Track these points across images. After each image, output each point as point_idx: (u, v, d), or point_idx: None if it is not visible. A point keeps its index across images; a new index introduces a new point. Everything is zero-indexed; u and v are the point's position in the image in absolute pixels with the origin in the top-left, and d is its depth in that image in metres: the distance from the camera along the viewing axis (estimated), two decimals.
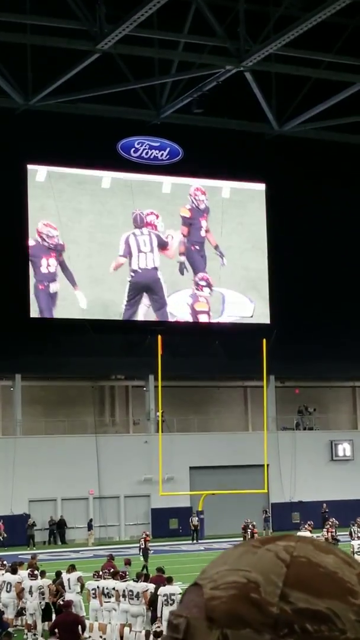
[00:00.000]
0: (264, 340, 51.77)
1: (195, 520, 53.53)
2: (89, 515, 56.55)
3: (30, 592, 24.14)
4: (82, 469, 55.87)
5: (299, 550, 1.04)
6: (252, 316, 61.89)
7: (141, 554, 40.45)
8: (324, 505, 56.54)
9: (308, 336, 60.01)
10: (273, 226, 62.13)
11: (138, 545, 42.66)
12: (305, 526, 43.47)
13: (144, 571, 25.40)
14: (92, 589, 24.32)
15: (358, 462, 62.53)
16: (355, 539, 39.56)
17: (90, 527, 55.06)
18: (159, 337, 50.35)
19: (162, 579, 23.89)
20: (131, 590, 23.21)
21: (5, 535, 50.33)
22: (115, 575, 25.03)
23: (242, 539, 46.59)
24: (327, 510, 55.09)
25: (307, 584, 1.01)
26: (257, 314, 62.12)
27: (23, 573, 25.76)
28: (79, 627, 19.49)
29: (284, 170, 60.76)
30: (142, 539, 42.16)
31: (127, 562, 29.14)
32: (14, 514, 53.60)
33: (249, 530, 46.85)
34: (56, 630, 19.20)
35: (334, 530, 42.94)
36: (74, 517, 55.84)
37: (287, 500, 59.97)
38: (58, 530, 55.51)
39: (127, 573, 25.41)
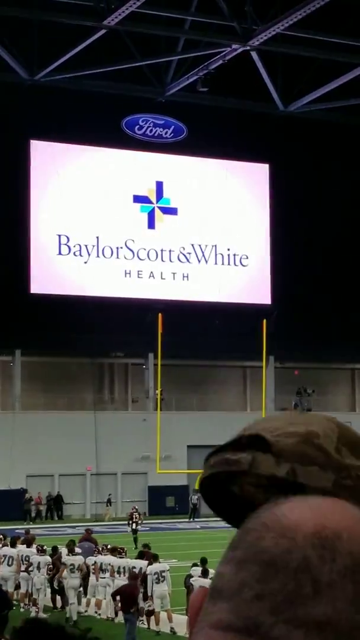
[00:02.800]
0: (264, 321, 51.80)
1: (195, 498, 53.70)
2: (86, 492, 56.78)
3: (38, 568, 24.35)
4: (80, 446, 56.03)
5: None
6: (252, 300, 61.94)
7: (131, 532, 40.58)
8: None
9: (308, 318, 60.08)
10: (276, 206, 62.06)
11: (127, 521, 42.86)
12: None
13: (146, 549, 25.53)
14: (93, 564, 24.59)
15: None
16: None
17: (109, 502, 55.36)
18: (160, 315, 50.37)
19: (149, 555, 24.10)
20: (133, 567, 23.46)
21: None
22: (113, 551, 25.21)
23: None
24: None
25: (353, 445, 1.08)
26: (259, 295, 62.13)
27: (21, 548, 25.96)
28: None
29: (288, 151, 60.65)
30: (131, 515, 42.45)
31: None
32: (11, 489, 53.83)
33: None
34: (118, 597, 20.37)
35: None
36: (71, 493, 56.04)
37: None
38: (55, 505, 55.76)
39: (125, 550, 25.56)
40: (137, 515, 42.77)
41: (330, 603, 0.94)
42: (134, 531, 40.58)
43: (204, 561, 22.73)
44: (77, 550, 25.64)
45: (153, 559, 23.32)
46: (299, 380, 65.21)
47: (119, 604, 20.96)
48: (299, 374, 65.16)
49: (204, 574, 21.61)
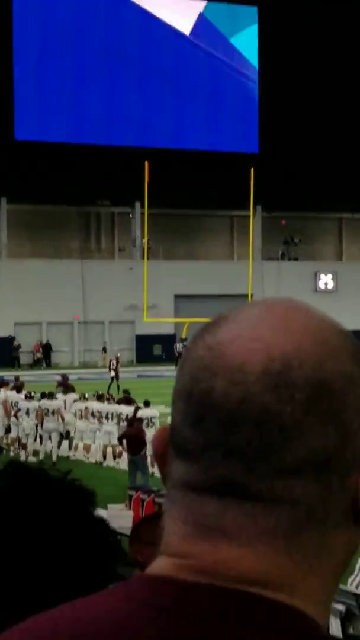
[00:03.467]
0: (252, 170, 51.21)
1: (179, 347, 54.22)
2: (74, 340, 57.26)
3: (27, 413, 24.77)
4: (68, 294, 56.19)
5: None
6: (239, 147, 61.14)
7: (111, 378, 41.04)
8: None
9: (296, 167, 59.46)
10: (266, 50, 60.62)
11: (108, 368, 43.15)
12: None
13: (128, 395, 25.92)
14: (85, 409, 25.02)
15: (341, 293, 63.01)
16: None
17: (104, 350, 55.93)
18: (147, 163, 49.69)
19: (129, 401, 24.67)
20: (120, 413, 23.87)
21: None
22: (100, 398, 25.56)
23: None
24: None
25: None
26: (247, 143, 61.31)
27: (10, 394, 26.32)
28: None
29: None
30: (109, 363, 42.92)
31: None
32: None
33: None
34: (124, 440, 20.53)
35: None
36: (59, 341, 56.49)
37: None
38: (44, 353, 56.30)
39: (114, 396, 25.92)
40: (115, 363, 43.05)
41: (302, 443, 0.91)
42: (112, 378, 41.05)
43: None
44: (59, 396, 26.07)
45: (145, 404, 23.68)
46: (286, 229, 65.03)
47: (124, 447, 21.11)
48: (286, 224, 64.92)
49: None
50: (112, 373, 41.77)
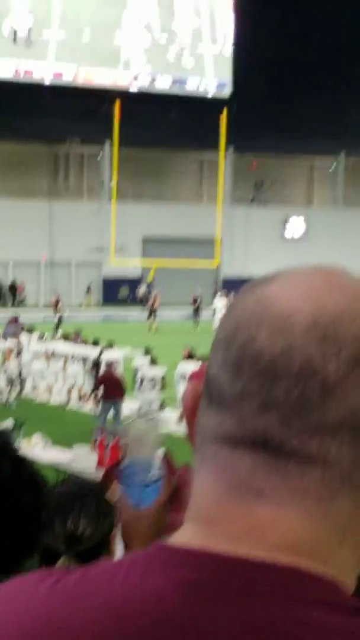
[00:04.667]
0: (224, 110, 50.65)
1: (142, 289, 53.88)
2: (40, 281, 56.81)
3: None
4: (35, 234, 55.63)
5: None
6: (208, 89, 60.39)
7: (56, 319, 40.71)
8: None
9: (269, 108, 58.77)
10: None
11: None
12: None
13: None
14: (44, 351, 24.72)
15: (311, 239, 62.83)
16: None
17: (88, 290, 55.65)
18: (117, 102, 49.02)
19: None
20: (83, 356, 23.63)
21: None
22: (66, 338, 25.30)
23: (192, 311, 47.23)
24: None
25: None
26: (219, 83, 60.58)
27: None
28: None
29: None
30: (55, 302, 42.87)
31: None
32: None
33: (197, 303, 47.26)
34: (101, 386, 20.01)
35: None
36: (25, 282, 55.97)
37: (238, 275, 60.47)
38: (11, 292, 55.87)
39: (80, 337, 25.60)
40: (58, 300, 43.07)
41: (343, 402, 0.88)
42: (59, 318, 40.79)
43: (147, 350, 22.89)
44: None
45: (109, 346, 23.47)
46: (256, 173, 64.55)
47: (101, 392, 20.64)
48: (256, 167, 64.42)
49: (152, 362, 21.79)
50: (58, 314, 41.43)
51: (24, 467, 2.14)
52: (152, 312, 43.66)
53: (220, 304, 43.20)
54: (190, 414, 0.58)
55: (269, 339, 0.88)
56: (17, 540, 2.10)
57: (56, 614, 0.87)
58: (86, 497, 2.95)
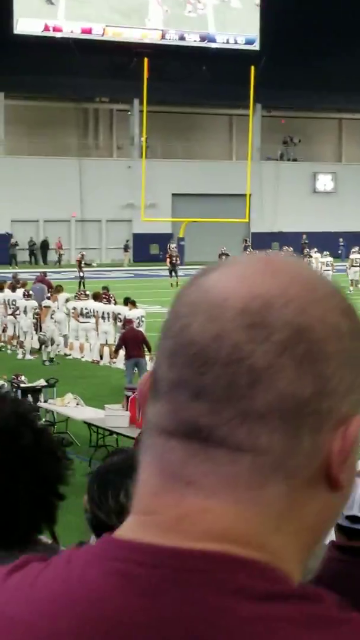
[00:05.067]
0: (252, 67, 50.54)
1: (172, 247, 54.06)
2: (71, 238, 57.18)
3: (25, 312, 24.88)
4: (65, 192, 55.92)
5: None
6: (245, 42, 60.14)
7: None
8: (304, 236, 57.21)
9: (298, 65, 58.53)
10: None
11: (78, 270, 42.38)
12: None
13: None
14: (73, 309, 25.08)
15: (340, 194, 62.78)
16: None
17: (126, 248, 56.01)
18: (146, 59, 49.02)
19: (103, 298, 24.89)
20: (118, 313, 23.93)
21: None
22: (96, 297, 25.54)
23: None
24: (307, 241, 55.80)
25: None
26: (247, 38, 60.34)
27: (7, 292, 26.43)
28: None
29: None
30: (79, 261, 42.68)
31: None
32: None
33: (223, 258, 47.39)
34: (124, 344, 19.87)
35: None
36: (56, 239, 56.39)
37: (268, 230, 60.61)
38: (41, 250, 56.32)
39: (112, 296, 25.86)
40: (82, 259, 42.83)
41: (271, 388, 0.87)
42: (81, 277, 40.44)
43: None
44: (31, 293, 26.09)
45: (132, 304, 23.71)
46: (285, 129, 64.40)
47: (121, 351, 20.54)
48: (285, 123, 64.25)
49: None
50: (81, 273, 41.04)
51: (45, 438, 2.13)
52: (173, 269, 43.66)
53: None
54: (144, 403, 0.75)
55: (202, 327, 0.88)
56: (35, 512, 2.08)
57: (4, 605, 0.90)
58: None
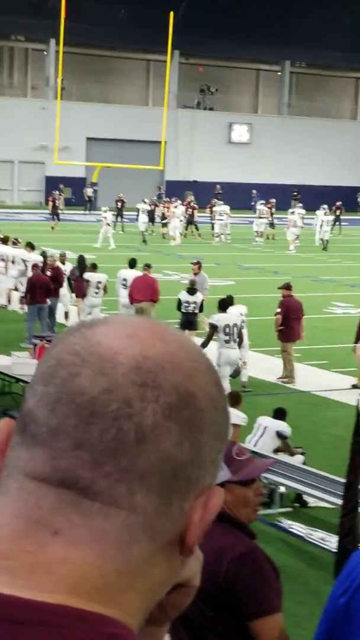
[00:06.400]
0: (172, 13, 49.91)
1: (89, 191, 53.74)
2: None
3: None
4: None
5: None
6: None
7: None
8: (218, 186, 57.13)
9: (217, 13, 58.10)
10: None
11: None
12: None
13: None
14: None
15: (254, 145, 62.82)
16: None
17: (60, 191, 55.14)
18: None
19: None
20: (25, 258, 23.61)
21: None
22: (5, 241, 25.13)
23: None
24: (220, 191, 55.71)
25: None
26: None
27: None
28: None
29: None
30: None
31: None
32: None
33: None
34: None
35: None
36: None
37: (182, 179, 60.41)
38: None
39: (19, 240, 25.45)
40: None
41: (155, 449, 0.87)
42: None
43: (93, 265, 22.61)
44: None
45: (30, 247, 23.35)
46: (203, 77, 64.07)
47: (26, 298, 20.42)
48: (203, 72, 63.89)
49: (93, 267, 21.85)
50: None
51: None
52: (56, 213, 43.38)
53: (145, 207, 42.89)
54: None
55: (91, 378, 0.88)
56: None
57: None
58: None
